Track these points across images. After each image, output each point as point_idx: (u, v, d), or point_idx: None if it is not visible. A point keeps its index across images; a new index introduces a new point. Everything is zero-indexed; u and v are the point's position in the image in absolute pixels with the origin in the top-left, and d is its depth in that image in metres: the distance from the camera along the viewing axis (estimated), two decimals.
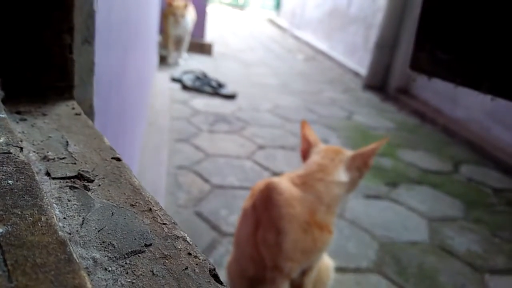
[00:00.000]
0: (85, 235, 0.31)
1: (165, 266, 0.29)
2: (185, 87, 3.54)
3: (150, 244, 0.31)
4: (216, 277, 0.29)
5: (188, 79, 3.66)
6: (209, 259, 0.30)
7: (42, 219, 0.27)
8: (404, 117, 3.74)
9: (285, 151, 2.55)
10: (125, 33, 1.08)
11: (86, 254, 0.29)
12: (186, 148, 2.36)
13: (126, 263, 0.29)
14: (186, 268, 0.29)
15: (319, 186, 1.04)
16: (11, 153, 0.35)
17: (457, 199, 2.22)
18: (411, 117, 3.73)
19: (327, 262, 1.26)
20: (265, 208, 1.04)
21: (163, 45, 4.35)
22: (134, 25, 1.33)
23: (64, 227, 0.31)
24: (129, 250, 0.30)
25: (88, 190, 0.37)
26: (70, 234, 0.31)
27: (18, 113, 0.50)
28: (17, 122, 0.48)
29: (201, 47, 5.07)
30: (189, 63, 4.44)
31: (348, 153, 1.12)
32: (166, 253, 0.30)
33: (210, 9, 6.84)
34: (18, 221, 0.26)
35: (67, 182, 0.37)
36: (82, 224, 0.32)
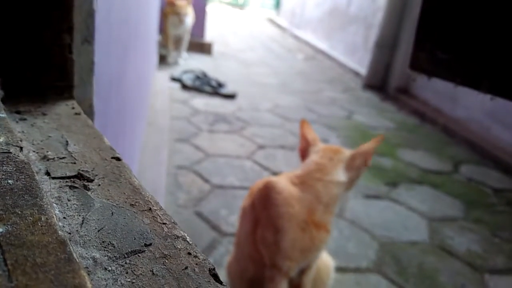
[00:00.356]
0: (85, 235, 0.31)
1: (165, 266, 0.29)
2: (185, 87, 3.54)
3: (150, 244, 0.31)
4: (215, 277, 0.29)
5: (188, 79, 3.65)
6: (209, 259, 0.30)
7: (42, 219, 0.27)
8: (404, 116, 3.74)
9: (285, 151, 2.55)
10: (125, 32, 1.08)
11: (86, 253, 0.29)
12: (186, 148, 2.36)
13: (126, 263, 0.29)
14: (186, 268, 0.29)
15: (317, 186, 1.04)
16: (11, 152, 0.35)
17: (457, 199, 2.22)
18: (411, 117, 3.72)
19: (327, 261, 1.26)
20: (263, 207, 1.04)
21: (163, 44, 4.35)
22: (134, 25, 1.33)
23: (64, 226, 0.31)
24: (129, 250, 0.30)
25: (88, 189, 0.37)
26: (70, 233, 0.31)
27: (18, 112, 0.50)
28: (17, 122, 0.48)
29: (201, 47, 5.07)
30: (189, 63, 4.44)
31: (347, 152, 1.11)
32: (166, 253, 0.30)
33: (209, 8, 6.83)
34: (18, 221, 0.26)
35: (67, 181, 0.37)
36: (82, 223, 0.32)
